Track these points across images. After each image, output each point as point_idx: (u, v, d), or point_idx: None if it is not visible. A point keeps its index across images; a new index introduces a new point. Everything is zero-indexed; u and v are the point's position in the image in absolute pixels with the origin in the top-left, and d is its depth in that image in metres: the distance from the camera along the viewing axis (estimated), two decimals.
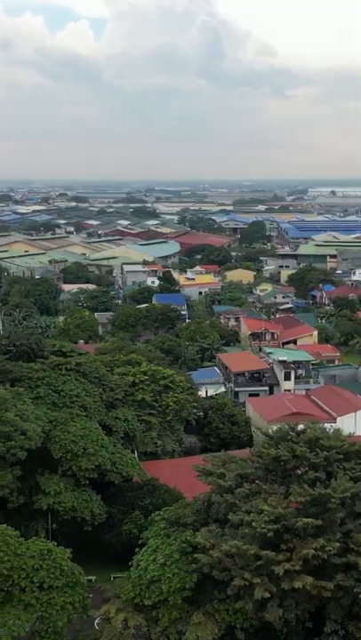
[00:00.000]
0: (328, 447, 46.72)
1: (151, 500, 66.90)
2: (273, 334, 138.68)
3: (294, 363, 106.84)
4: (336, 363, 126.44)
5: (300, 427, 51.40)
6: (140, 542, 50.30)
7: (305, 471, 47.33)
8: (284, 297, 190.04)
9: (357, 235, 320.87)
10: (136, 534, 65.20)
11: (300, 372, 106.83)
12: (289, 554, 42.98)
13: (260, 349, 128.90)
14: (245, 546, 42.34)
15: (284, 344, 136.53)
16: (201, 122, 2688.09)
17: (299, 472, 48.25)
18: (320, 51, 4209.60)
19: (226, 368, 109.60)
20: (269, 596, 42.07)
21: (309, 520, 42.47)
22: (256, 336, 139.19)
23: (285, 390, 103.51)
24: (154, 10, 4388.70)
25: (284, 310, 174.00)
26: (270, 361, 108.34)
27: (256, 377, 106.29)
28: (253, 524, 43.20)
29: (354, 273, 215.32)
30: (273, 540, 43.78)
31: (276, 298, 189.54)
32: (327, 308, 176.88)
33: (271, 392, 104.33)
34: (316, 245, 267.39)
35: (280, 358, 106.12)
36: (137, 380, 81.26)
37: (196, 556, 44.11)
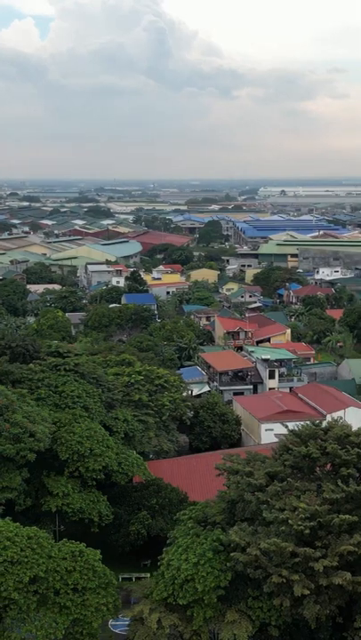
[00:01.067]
0: (358, 444, 47.18)
1: (157, 500, 66.95)
2: (247, 333, 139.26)
3: (277, 361, 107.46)
4: (311, 361, 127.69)
5: (324, 424, 51.81)
6: (167, 542, 50.11)
7: (334, 468, 47.75)
8: (251, 296, 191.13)
9: (315, 234, 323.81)
10: (144, 534, 65.46)
11: (281, 370, 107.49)
12: (325, 550, 43.35)
13: (242, 348, 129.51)
14: (284, 543, 42.58)
15: (258, 342, 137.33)
16: (148, 121, 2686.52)
17: (325, 469, 48.64)
18: (265, 52, 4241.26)
19: (209, 367, 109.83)
20: (308, 592, 42.35)
21: (346, 517, 42.91)
22: (231, 335, 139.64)
23: (270, 388, 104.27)
24: (100, 9, 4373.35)
25: (252, 309, 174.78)
26: (253, 360, 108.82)
27: (240, 376, 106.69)
28: (290, 521, 43.50)
29: (317, 272, 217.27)
30: (307, 538, 44.12)
31: (243, 297, 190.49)
32: (295, 306, 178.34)
33: (255, 390, 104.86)
34: (277, 245, 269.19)
35: (263, 357, 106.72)
36: (132, 381, 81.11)
37: (232, 554, 44.22)
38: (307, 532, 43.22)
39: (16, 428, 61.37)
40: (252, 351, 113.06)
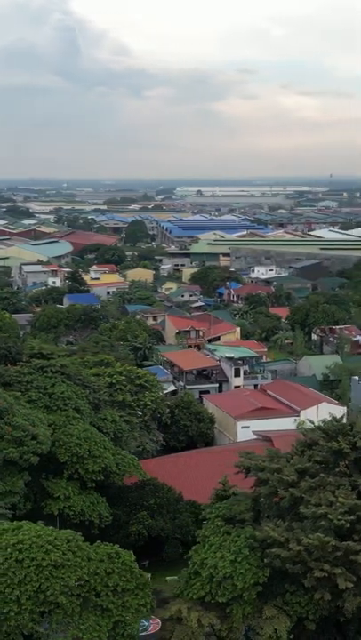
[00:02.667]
0: None
1: (156, 500, 66.99)
2: (198, 332, 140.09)
3: (240, 359, 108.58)
4: (265, 358, 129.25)
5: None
6: (197, 540, 50.23)
7: (358, 462, 48.75)
8: (191, 295, 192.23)
9: (241, 233, 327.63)
10: (145, 535, 65.41)
11: (244, 367, 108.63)
12: None
13: (199, 347, 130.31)
14: (327, 537, 43.29)
15: (209, 341, 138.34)
16: (58, 120, 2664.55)
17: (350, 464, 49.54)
18: (176, 52, 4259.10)
19: (173, 366, 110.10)
20: (352, 585, 43.17)
21: None
22: (182, 334, 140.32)
23: (235, 386, 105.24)
24: (7, 5, 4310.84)
25: (195, 308, 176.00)
26: (217, 358, 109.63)
27: (204, 374, 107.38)
28: (329, 516, 44.18)
29: (253, 270, 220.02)
30: (344, 532, 44.92)
31: (183, 296, 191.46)
32: (237, 305, 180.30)
33: (220, 389, 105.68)
34: (208, 244, 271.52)
35: (227, 355, 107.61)
36: (114, 381, 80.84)
37: (273, 550, 44.64)
38: (347, 525, 43.98)
39: (18, 430, 60.62)
40: (215, 350, 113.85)
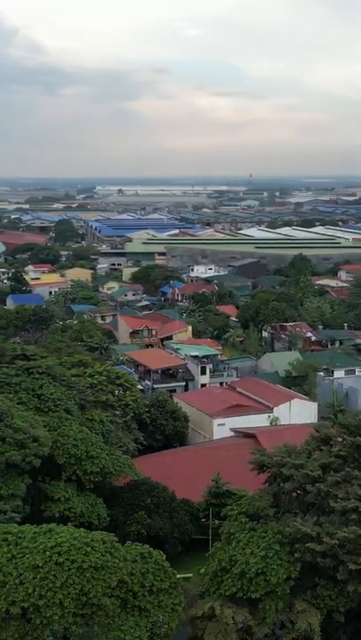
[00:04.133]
0: None
1: (152, 500, 66.90)
2: (151, 331, 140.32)
3: (205, 357, 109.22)
4: (220, 357, 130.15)
5: None
6: (223, 537, 50.46)
7: None
8: (134, 294, 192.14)
9: (173, 232, 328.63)
10: (144, 534, 65.24)
11: (209, 366, 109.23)
12: None
13: (151, 346, 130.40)
14: None
15: (162, 340, 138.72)
16: None
17: None
18: (92, 51, 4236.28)
19: (137, 366, 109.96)
20: None
21: None
22: (135, 333, 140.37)
23: (202, 385, 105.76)
24: None
25: (141, 308, 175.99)
26: (182, 357, 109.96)
27: (170, 373, 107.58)
28: (360, 509, 45.08)
29: (192, 269, 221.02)
30: None
31: (126, 295, 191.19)
32: (181, 304, 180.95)
33: (187, 387, 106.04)
34: (144, 243, 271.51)
35: (192, 354, 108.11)
36: (95, 381, 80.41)
37: (308, 545, 45.27)
38: None
39: (19, 433, 59.85)
40: (178, 348, 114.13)
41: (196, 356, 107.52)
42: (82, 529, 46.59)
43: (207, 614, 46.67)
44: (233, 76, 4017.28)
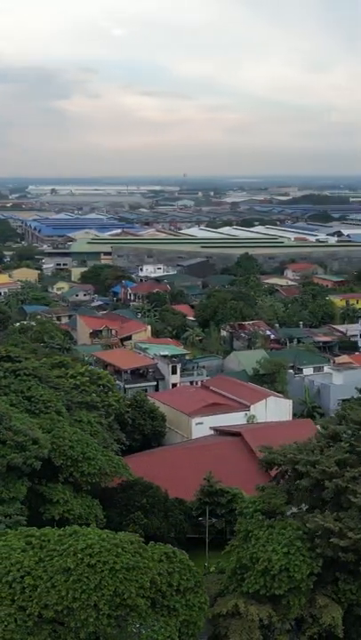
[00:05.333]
0: None
1: (147, 500, 66.76)
2: (111, 331, 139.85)
3: (174, 356, 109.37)
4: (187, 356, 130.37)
5: None
6: (240, 535, 50.68)
7: None
8: (85, 295, 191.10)
9: (115, 231, 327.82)
10: (142, 535, 64.94)
11: (178, 365, 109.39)
12: None
13: (110, 346, 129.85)
14: None
15: (122, 340, 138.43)
16: None
17: None
18: (20, 49, 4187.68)
19: (106, 366, 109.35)
20: None
21: None
22: (95, 334, 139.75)
23: (172, 384, 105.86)
24: None
25: (95, 308, 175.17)
26: (151, 356, 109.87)
27: (140, 373, 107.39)
28: None
29: (141, 269, 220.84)
30: None
31: (78, 295, 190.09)
32: (135, 303, 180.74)
33: (157, 387, 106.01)
34: (89, 243, 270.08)
35: (162, 353, 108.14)
36: (78, 382, 79.84)
37: (332, 540, 45.87)
38: None
39: (20, 435, 59.28)
40: (147, 348, 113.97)
41: (165, 356, 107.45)
42: (106, 530, 46.26)
43: (231, 612, 46.87)
44: (160, 75, 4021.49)
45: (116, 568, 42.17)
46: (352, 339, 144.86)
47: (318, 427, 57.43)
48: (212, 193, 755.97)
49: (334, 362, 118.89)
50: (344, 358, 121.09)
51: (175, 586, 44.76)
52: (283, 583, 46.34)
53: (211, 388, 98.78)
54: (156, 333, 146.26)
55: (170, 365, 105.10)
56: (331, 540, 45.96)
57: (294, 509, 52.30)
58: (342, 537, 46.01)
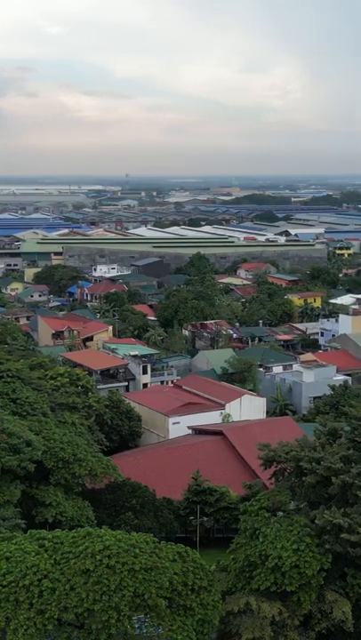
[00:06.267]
0: None
1: (137, 500, 66.72)
2: (73, 331, 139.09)
3: (144, 356, 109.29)
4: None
5: None
6: (246, 533, 50.89)
7: None
8: (40, 295, 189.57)
9: (63, 231, 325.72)
10: None
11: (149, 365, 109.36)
12: None
13: (71, 348, 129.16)
14: None
15: (84, 341, 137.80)
16: None
17: None
18: None
19: (75, 366, 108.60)
20: None
21: None
22: (57, 334, 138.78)
23: (143, 384, 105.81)
24: None
25: (52, 308, 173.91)
26: (120, 357, 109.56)
27: (110, 374, 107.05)
28: None
29: (95, 269, 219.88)
30: None
31: (33, 296, 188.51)
32: (91, 303, 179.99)
33: (128, 387, 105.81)
34: (39, 243, 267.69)
35: (132, 353, 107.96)
36: (59, 384, 79.32)
37: (342, 536, 46.41)
38: None
39: (13, 438, 58.76)
40: (115, 348, 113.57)
41: (135, 356, 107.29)
42: (120, 530, 46.13)
43: (242, 609, 47.08)
44: (99, 75, 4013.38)
45: (135, 569, 42.00)
46: (312, 337, 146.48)
47: (317, 424, 57.94)
48: (154, 193, 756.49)
49: (299, 360, 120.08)
50: (309, 356, 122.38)
51: (190, 585, 44.74)
52: (293, 580, 46.62)
53: (184, 387, 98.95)
54: (118, 334, 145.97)
55: (141, 365, 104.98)
56: (341, 535, 46.41)
57: (293, 506, 52.65)
58: (351, 532, 46.54)
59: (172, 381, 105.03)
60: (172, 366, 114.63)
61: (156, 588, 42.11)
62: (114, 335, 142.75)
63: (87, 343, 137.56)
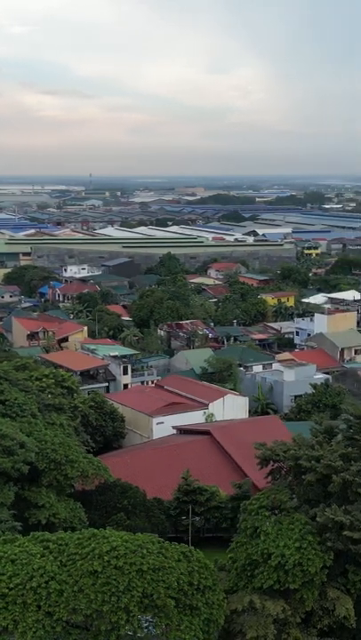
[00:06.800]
0: None
1: (129, 501, 66.61)
2: (48, 332, 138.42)
3: (124, 357, 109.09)
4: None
5: None
6: (247, 532, 51.02)
7: None
8: (11, 296, 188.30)
9: (29, 231, 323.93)
10: None
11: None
12: None
13: (48, 350, 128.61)
14: None
15: (59, 342, 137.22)
16: None
17: None
18: None
19: (56, 368, 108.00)
20: None
21: None
22: (32, 335, 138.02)
23: (124, 385, 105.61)
24: None
25: (24, 309, 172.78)
26: (100, 357, 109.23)
27: (90, 374, 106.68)
28: None
29: (65, 270, 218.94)
30: None
31: (3, 297, 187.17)
32: (63, 304, 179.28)
33: (108, 388, 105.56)
34: (7, 243, 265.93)
35: (112, 354, 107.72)
36: (44, 385, 78.86)
37: (345, 533, 46.79)
38: None
39: (7, 440, 58.43)
40: (95, 349, 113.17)
41: (115, 356, 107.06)
42: (123, 532, 46.05)
43: (246, 608, 47.24)
44: (61, 74, 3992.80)
45: (144, 569, 41.99)
46: (287, 336, 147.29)
47: (312, 422, 58.34)
48: (119, 193, 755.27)
49: (276, 359, 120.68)
50: (286, 355, 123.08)
51: (196, 584, 44.79)
52: (297, 577, 46.91)
53: (165, 387, 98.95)
54: (92, 334, 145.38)
55: (121, 366, 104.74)
56: (344, 532, 46.78)
57: (292, 504, 52.88)
58: (353, 530, 46.95)
59: (152, 382, 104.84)
60: (151, 366, 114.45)
61: (165, 588, 42.10)
62: (89, 336, 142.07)
63: (62, 344, 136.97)
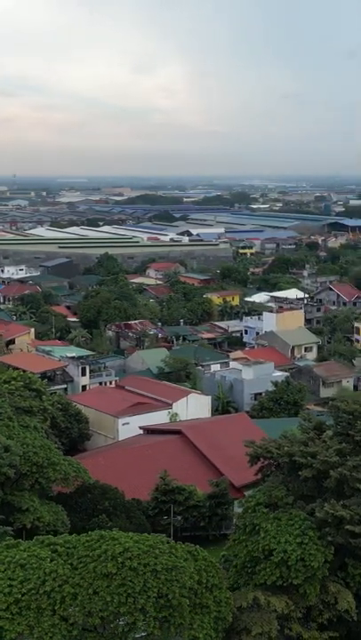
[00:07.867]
0: None
1: (109, 502, 66.26)
2: None
3: (81, 358, 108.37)
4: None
5: None
6: (246, 529, 51.29)
7: None
8: None
9: None
10: None
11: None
12: None
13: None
14: None
15: (7, 344, 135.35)
16: None
17: None
18: None
19: (14, 370, 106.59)
20: None
21: None
22: None
23: (82, 386, 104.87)
24: None
25: None
26: (57, 359, 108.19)
27: (47, 376, 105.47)
28: None
29: (2, 271, 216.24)
30: None
31: None
32: (4, 305, 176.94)
33: (66, 390, 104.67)
34: None
35: (69, 355, 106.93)
36: (13, 387, 77.70)
37: (346, 527, 47.51)
38: None
39: None
40: (50, 351, 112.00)
41: (73, 357, 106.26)
42: (131, 532, 45.88)
43: (250, 604, 47.52)
44: None
45: (158, 569, 41.94)
46: (235, 334, 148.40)
47: (300, 419, 59.03)
48: (44, 193, 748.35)
49: (230, 358, 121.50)
50: (238, 354, 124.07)
51: (204, 583, 44.95)
52: (300, 573, 47.39)
53: (127, 387, 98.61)
54: (39, 336, 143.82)
55: (80, 367, 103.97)
56: (346, 527, 47.49)
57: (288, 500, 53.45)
58: (354, 524, 47.72)
59: (111, 382, 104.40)
60: (107, 367, 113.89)
61: (179, 588, 42.08)
62: (36, 338, 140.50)
63: (9, 346, 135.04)
